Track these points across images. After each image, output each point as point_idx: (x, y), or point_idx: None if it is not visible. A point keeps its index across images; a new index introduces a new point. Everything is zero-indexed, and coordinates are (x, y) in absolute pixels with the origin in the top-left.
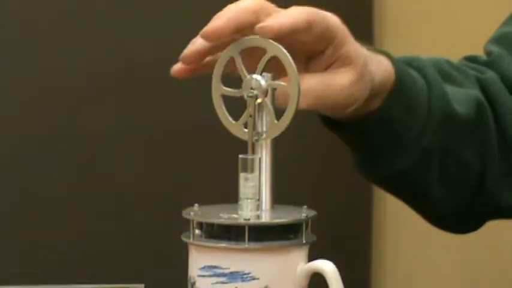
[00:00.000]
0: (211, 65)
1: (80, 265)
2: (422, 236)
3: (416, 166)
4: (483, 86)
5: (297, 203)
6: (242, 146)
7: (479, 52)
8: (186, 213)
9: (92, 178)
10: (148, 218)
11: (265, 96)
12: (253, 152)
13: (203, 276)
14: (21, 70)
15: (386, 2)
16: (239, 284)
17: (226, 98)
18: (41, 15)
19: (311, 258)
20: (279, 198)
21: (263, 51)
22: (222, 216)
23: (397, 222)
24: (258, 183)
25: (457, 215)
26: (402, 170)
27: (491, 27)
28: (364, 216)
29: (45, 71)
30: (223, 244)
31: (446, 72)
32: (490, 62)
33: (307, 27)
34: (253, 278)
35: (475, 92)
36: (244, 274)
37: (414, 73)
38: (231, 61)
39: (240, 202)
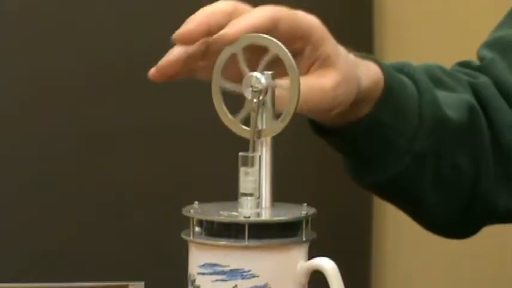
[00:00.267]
0: (206, 70)
1: (81, 263)
2: (422, 234)
3: (408, 172)
4: (476, 90)
5: (297, 200)
6: (242, 144)
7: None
8: (186, 210)
9: (92, 177)
10: (149, 216)
11: (266, 94)
12: (254, 150)
13: (203, 273)
14: (20, 70)
15: (386, 4)
16: (239, 281)
17: (225, 96)
18: (41, 15)
19: (311, 256)
20: (279, 195)
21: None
22: (222, 213)
23: (397, 220)
24: (258, 178)
25: (452, 220)
26: (394, 176)
27: (490, 28)
28: (364, 213)
29: (45, 70)
30: (223, 242)
31: (437, 77)
32: (483, 67)
33: (272, 26)
34: (253, 276)
35: (467, 97)
36: (244, 272)
37: (405, 79)
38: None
39: (240, 199)
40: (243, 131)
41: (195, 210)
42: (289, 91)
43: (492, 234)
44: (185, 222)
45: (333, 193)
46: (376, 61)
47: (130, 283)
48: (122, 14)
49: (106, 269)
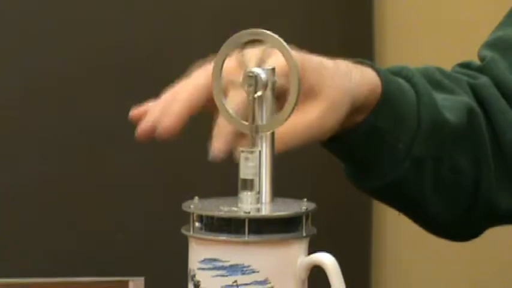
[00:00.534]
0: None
1: (80, 258)
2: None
3: (408, 176)
4: (476, 91)
5: (297, 195)
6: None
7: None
8: (186, 206)
9: (92, 173)
10: (149, 211)
11: (265, 89)
12: (254, 145)
13: (203, 269)
14: (20, 69)
15: (385, 4)
16: (239, 276)
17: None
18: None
19: (311, 251)
20: (279, 190)
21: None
22: (222, 209)
23: (397, 215)
24: (258, 164)
25: (455, 222)
26: (394, 181)
27: (490, 28)
28: (364, 208)
29: (46, 70)
30: (223, 237)
31: (436, 80)
32: (483, 67)
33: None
34: (253, 271)
35: (466, 99)
36: (244, 267)
37: (403, 82)
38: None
39: (239, 195)
40: (243, 126)
41: (195, 205)
42: (289, 86)
43: (492, 232)
44: (185, 217)
45: (333, 188)
46: (373, 67)
47: (130, 278)
48: (122, 13)
49: (106, 264)
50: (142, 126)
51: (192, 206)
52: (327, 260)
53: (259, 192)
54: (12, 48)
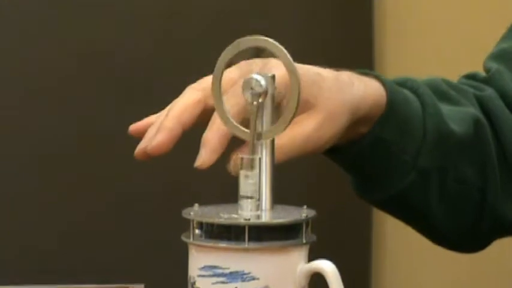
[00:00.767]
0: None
1: (81, 265)
2: (422, 237)
3: (414, 188)
4: (482, 103)
5: (297, 202)
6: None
7: (478, 55)
8: (186, 213)
9: (92, 179)
10: (149, 218)
11: (266, 96)
12: (253, 152)
13: (203, 276)
14: (19, 69)
15: (385, 7)
16: (239, 284)
17: None
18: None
19: (311, 258)
20: (279, 197)
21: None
22: (222, 216)
23: (397, 222)
24: (258, 181)
25: (462, 234)
26: (400, 193)
27: (490, 30)
28: (364, 216)
29: (46, 70)
30: (223, 244)
31: (442, 91)
32: (489, 79)
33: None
34: (253, 278)
35: (471, 110)
36: (244, 274)
37: (408, 93)
38: None
39: (240, 202)
40: (243, 133)
41: (195, 212)
42: (289, 93)
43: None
44: (185, 223)
45: (333, 195)
46: (378, 77)
47: (130, 285)
48: (122, 13)
49: (106, 271)
50: (140, 147)
51: (192, 213)
52: (327, 267)
53: (259, 199)
54: (12, 48)
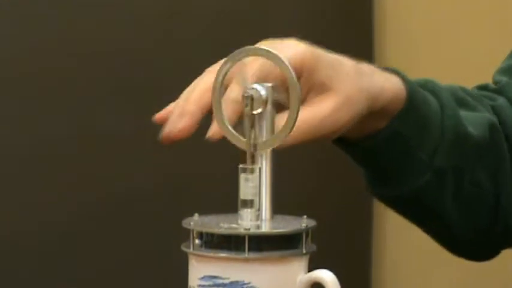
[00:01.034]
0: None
1: (78, 275)
2: (422, 247)
3: (429, 186)
4: (495, 112)
5: (297, 212)
6: (243, 154)
7: (478, 55)
8: (186, 223)
9: (91, 186)
10: (148, 227)
11: (265, 106)
12: (253, 162)
13: (203, 286)
14: (18, 69)
15: (385, 6)
16: None
17: None
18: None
19: (311, 268)
20: (279, 207)
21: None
22: (222, 226)
23: (397, 233)
24: (258, 184)
25: (474, 240)
26: (414, 191)
27: (490, 28)
28: (364, 226)
29: (46, 70)
30: (223, 254)
31: (459, 97)
32: (500, 89)
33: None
34: None
35: (488, 115)
36: (244, 284)
37: (427, 94)
38: None
39: (240, 211)
40: (242, 142)
41: (195, 222)
42: (288, 104)
43: None
44: (185, 233)
45: (333, 205)
46: (398, 73)
47: None
48: (123, 14)
49: (105, 281)
50: (165, 132)
51: (192, 223)
52: (326, 277)
53: (259, 209)
54: (12, 48)
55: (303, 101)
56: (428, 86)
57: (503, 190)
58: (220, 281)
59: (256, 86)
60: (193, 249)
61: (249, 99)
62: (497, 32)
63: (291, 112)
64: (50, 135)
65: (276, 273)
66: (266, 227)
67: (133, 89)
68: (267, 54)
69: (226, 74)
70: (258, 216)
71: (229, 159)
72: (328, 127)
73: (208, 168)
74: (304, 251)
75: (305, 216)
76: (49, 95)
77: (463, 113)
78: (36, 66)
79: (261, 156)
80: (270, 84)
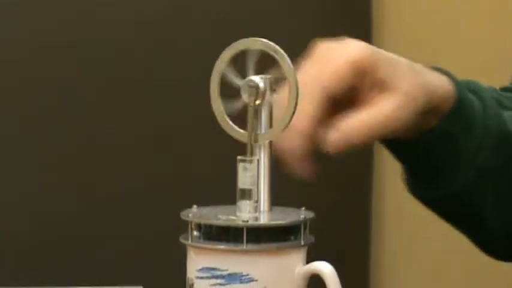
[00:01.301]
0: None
1: (78, 267)
2: (421, 238)
3: (470, 187)
4: None
5: (295, 204)
6: (242, 147)
7: (479, 53)
8: (185, 214)
9: (90, 180)
10: (147, 219)
11: (264, 98)
12: (252, 154)
13: (201, 277)
14: (19, 69)
15: (383, 7)
16: (237, 285)
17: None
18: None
19: (309, 259)
20: (277, 199)
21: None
22: (221, 217)
23: (396, 224)
24: (256, 173)
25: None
26: (457, 191)
27: (491, 28)
28: (363, 218)
29: (47, 69)
30: (221, 246)
31: (497, 97)
32: None
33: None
34: (252, 280)
35: None
36: (243, 276)
37: (470, 94)
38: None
39: (238, 203)
40: (241, 134)
41: (193, 214)
42: (287, 95)
43: None
44: (184, 225)
45: (332, 197)
46: (446, 73)
47: (128, 287)
48: (123, 14)
49: (104, 272)
50: (333, 140)
51: (190, 215)
52: (325, 268)
53: (257, 201)
54: (12, 47)
55: (364, 101)
56: (471, 86)
57: None
58: (218, 273)
59: (254, 77)
60: (191, 241)
61: (250, 91)
62: (498, 32)
63: (290, 104)
64: (50, 136)
65: (274, 264)
66: (264, 218)
67: (134, 89)
68: (264, 45)
69: (224, 65)
70: (256, 208)
71: (228, 152)
72: (392, 125)
73: (206, 160)
74: (302, 243)
75: (303, 208)
76: (49, 95)
77: (504, 113)
78: (35, 67)
79: (260, 147)
80: (268, 76)
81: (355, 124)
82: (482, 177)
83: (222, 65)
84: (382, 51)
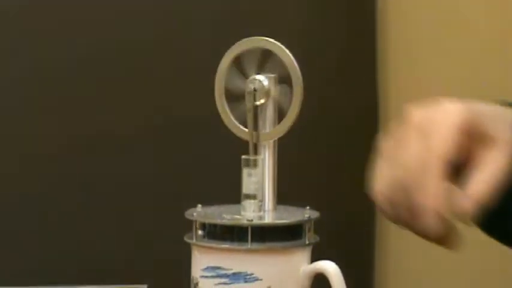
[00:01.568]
0: None
1: (83, 266)
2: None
3: None
4: None
5: (300, 203)
6: (246, 146)
7: (482, 55)
8: (189, 214)
9: (94, 178)
10: (151, 218)
11: (268, 97)
12: (256, 153)
13: (206, 277)
14: (21, 69)
15: (387, 11)
16: (242, 284)
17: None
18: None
19: (314, 259)
20: (281, 198)
21: None
22: (225, 217)
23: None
24: (261, 179)
25: None
26: None
27: (492, 29)
28: (367, 216)
29: (46, 70)
30: (226, 245)
31: None
32: None
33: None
34: (256, 279)
35: None
36: (247, 275)
37: None
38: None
39: (242, 202)
40: (245, 133)
41: (198, 213)
42: (292, 95)
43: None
44: (188, 224)
45: (336, 196)
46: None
47: (133, 286)
48: (123, 14)
49: (108, 271)
50: (467, 207)
51: (195, 214)
52: (329, 267)
53: (262, 200)
54: (12, 48)
55: (472, 158)
56: None
57: None
58: (223, 272)
59: (258, 77)
60: (196, 240)
61: (253, 90)
62: (498, 34)
63: (294, 104)
64: (51, 134)
65: (278, 264)
66: (269, 217)
67: (134, 89)
68: (267, 44)
69: (230, 64)
70: (260, 207)
71: (233, 151)
72: (506, 176)
73: (211, 159)
74: (307, 242)
75: (308, 207)
76: (49, 95)
77: None
78: (36, 66)
79: (264, 147)
80: (272, 75)
81: (482, 188)
82: None
83: (226, 64)
84: (477, 104)
